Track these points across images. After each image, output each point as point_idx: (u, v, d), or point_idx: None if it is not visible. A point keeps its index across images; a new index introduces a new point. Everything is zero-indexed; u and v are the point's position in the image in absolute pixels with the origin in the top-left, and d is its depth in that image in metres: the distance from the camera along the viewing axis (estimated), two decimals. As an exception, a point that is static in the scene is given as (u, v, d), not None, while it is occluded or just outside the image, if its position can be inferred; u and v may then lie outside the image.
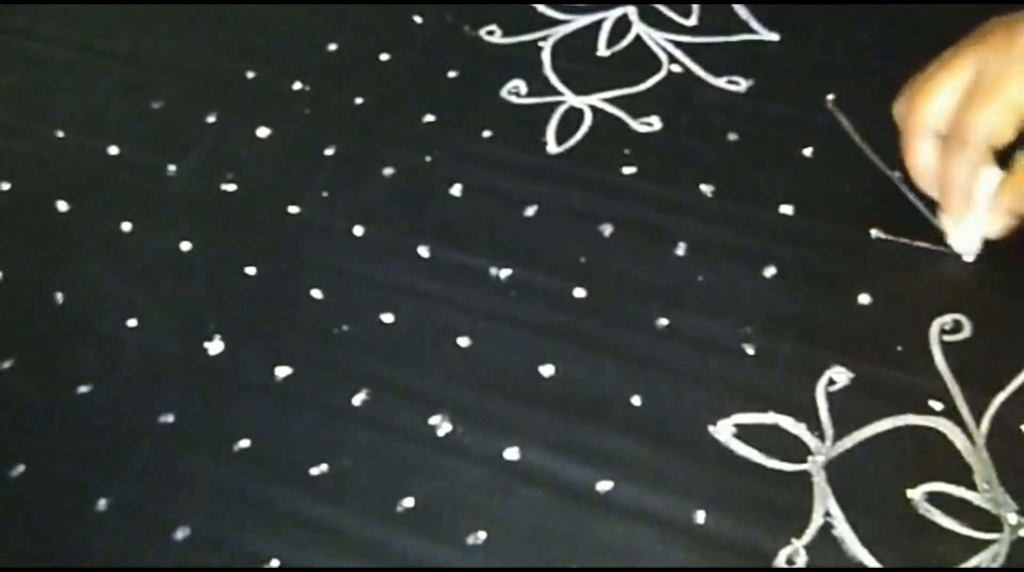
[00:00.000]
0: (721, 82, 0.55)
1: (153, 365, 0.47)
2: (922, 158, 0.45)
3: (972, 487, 0.40)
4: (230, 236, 0.51)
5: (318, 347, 0.46)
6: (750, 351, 0.44)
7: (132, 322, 0.48)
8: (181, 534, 0.41)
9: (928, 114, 0.44)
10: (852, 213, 0.48)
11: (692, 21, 0.58)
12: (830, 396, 0.43)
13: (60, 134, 0.57)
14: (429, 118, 0.55)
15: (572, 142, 0.53)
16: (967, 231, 0.45)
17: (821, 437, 0.41)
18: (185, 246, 0.51)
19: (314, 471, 0.43)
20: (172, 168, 0.54)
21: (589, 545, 0.40)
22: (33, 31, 0.63)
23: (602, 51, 0.57)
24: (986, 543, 0.38)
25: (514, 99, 0.55)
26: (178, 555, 0.41)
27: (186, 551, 0.41)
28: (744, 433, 0.42)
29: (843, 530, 0.39)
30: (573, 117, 0.54)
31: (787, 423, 0.42)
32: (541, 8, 0.60)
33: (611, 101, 0.55)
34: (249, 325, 0.47)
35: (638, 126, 0.53)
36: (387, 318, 0.47)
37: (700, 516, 0.40)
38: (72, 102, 0.58)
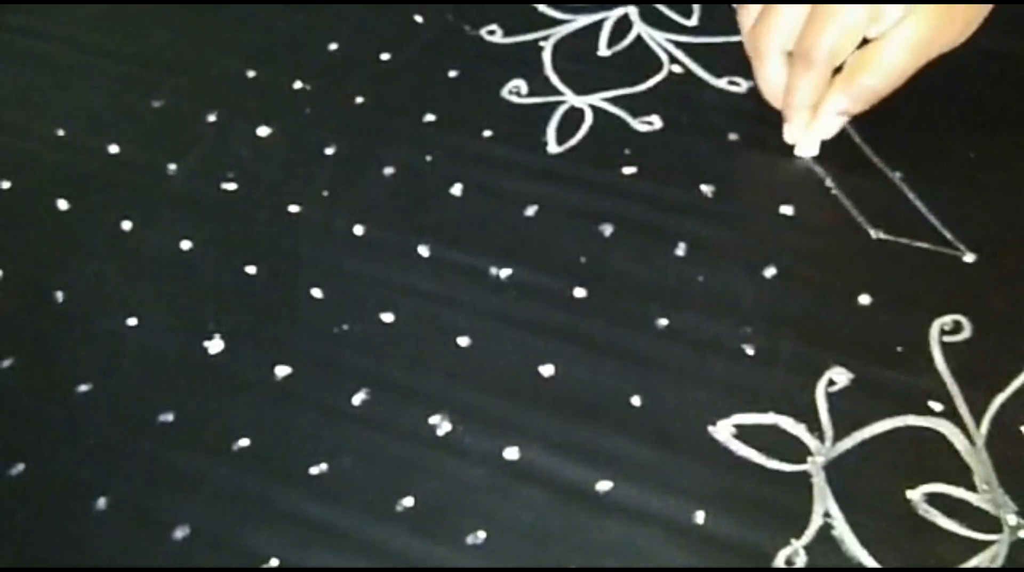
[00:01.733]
0: (722, 82, 0.55)
1: (153, 364, 0.47)
2: (771, 76, 0.49)
3: (972, 488, 0.40)
4: (230, 235, 0.51)
5: (318, 346, 0.46)
6: (750, 351, 0.44)
7: (132, 321, 0.48)
8: (180, 533, 0.41)
9: (775, 35, 0.48)
10: (852, 213, 0.48)
11: (693, 21, 0.58)
12: (830, 396, 0.43)
13: (60, 132, 0.57)
14: (430, 117, 0.55)
15: (573, 142, 0.53)
16: (810, 138, 0.50)
17: (821, 438, 0.41)
18: (185, 245, 0.51)
19: (314, 470, 0.43)
20: (172, 167, 0.54)
21: (589, 545, 0.40)
22: (33, 29, 0.63)
23: (603, 51, 0.57)
24: (985, 544, 0.38)
25: (515, 99, 0.55)
26: (177, 554, 0.41)
27: (185, 550, 0.41)
28: (744, 433, 0.42)
29: (843, 531, 0.39)
30: (574, 117, 0.54)
31: (787, 423, 0.42)
32: (542, 8, 0.60)
33: (612, 101, 0.55)
34: (249, 324, 0.47)
35: (639, 126, 0.53)
36: (387, 317, 0.47)
37: (700, 516, 0.40)
38: (72, 101, 0.58)
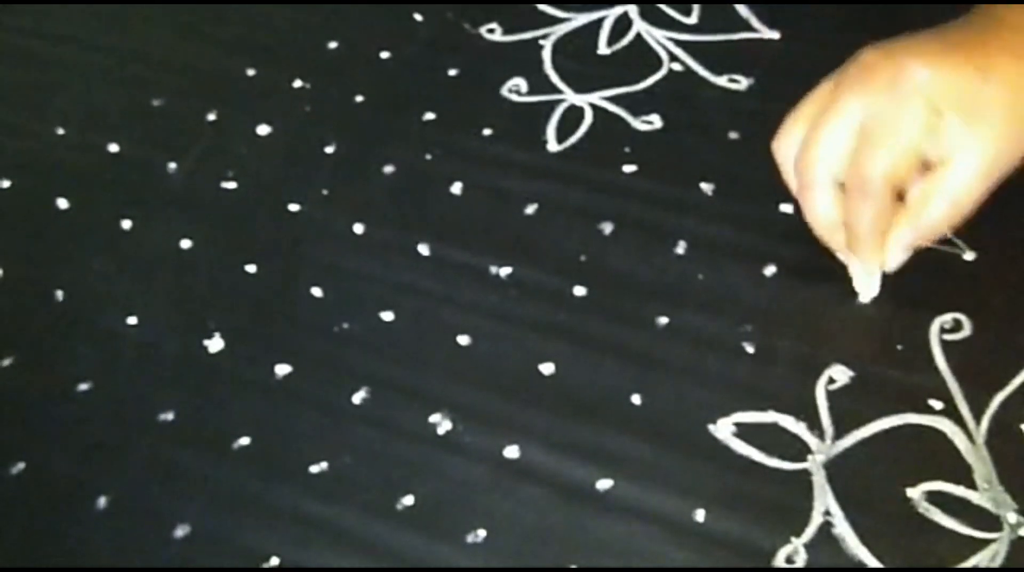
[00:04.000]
0: (722, 80, 0.55)
1: (153, 363, 0.47)
2: (823, 210, 0.44)
3: (972, 486, 0.40)
4: (230, 234, 0.51)
5: (318, 345, 0.46)
6: (750, 350, 0.44)
7: (132, 319, 0.48)
8: (181, 532, 0.41)
9: (823, 164, 0.43)
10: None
11: (693, 19, 0.58)
12: (830, 395, 0.43)
13: (60, 131, 0.57)
14: (429, 116, 0.55)
15: (572, 140, 0.53)
16: (873, 274, 0.45)
17: (821, 436, 0.41)
18: (185, 244, 0.51)
19: (314, 469, 0.43)
20: (172, 166, 0.54)
21: (589, 544, 0.40)
22: (33, 29, 0.63)
23: (603, 49, 0.57)
24: (985, 542, 0.38)
25: (514, 97, 0.55)
26: (178, 553, 0.41)
27: (186, 549, 0.41)
28: (744, 432, 0.42)
29: (843, 529, 0.39)
30: (573, 115, 0.54)
31: (787, 422, 0.42)
32: (542, 6, 0.60)
33: (612, 99, 0.55)
34: (249, 323, 0.47)
35: (639, 124, 0.53)
36: (387, 316, 0.47)
37: (700, 515, 0.40)
38: (72, 99, 0.58)
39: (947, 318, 0.44)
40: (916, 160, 0.42)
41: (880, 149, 0.41)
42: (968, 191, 0.42)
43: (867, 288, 0.45)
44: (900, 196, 0.43)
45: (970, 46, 0.42)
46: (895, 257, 0.44)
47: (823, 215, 0.44)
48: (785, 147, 0.45)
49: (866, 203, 0.42)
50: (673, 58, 0.56)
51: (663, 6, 0.59)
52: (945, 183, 0.42)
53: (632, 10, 0.59)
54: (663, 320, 0.46)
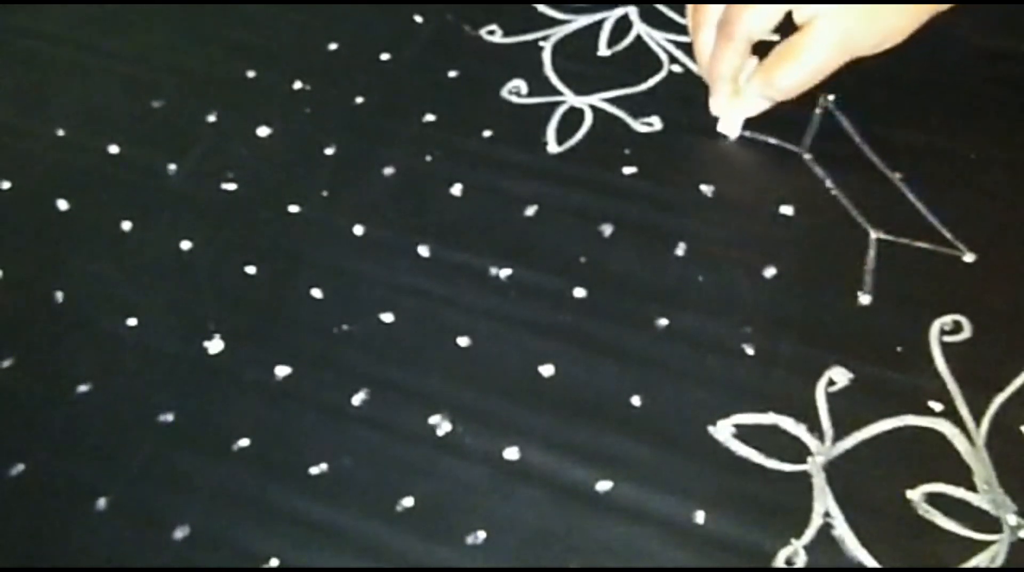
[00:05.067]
0: (721, 82, 0.55)
1: (153, 364, 0.47)
2: (702, 48, 0.50)
3: (972, 488, 0.40)
4: (230, 235, 0.51)
5: (318, 347, 0.46)
6: (750, 351, 0.44)
7: (132, 321, 0.48)
8: (180, 533, 0.41)
9: (710, 9, 0.49)
10: (852, 213, 0.48)
11: (693, 21, 0.58)
12: (830, 396, 0.43)
13: (60, 132, 0.57)
14: (429, 118, 0.55)
15: (572, 142, 0.53)
16: (733, 114, 0.51)
17: (821, 437, 0.41)
18: (185, 245, 0.51)
19: (314, 470, 0.43)
20: (172, 167, 0.54)
21: (589, 545, 0.40)
22: (33, 29, 0.63)
23: (603, 51, 0.57)
24: (985, 544, 0.38)
25: (514, 99, 0.55)
26: (177, 554, 0.41)
27: (185, 550, 0.41)
28: (744, 433, 0.42)
29: (843, 530, 0.39)
30: (573, 117, 0.54)
31: (787, 423, 0.42)
32: (542, 8, 0.60)
33: (612, 101, 0.55)
34: (249, 324, 0.47)
35: (638, 126, 0.53)
36: (387, 318, 0.47)
37: (699, 516, 0.40)
38: (72, 101, 0.58)
39: (947, 320, 0.44)
40: (779, 15, 0.46)
41: (750, 2, 0.47)
42: (819, 56, 0.46)
43: (728, 127, 0.51)
44: None
45: None
46: (751, 105, 0.50)
47: (702, 53, 0.50)
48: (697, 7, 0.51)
49: (726, 48, 0.48)
50: (673, 60, 0.56)
51: (663, 8, 0.59)
52: (800, 44, 0.46)
53: (632, 12, 0.59)
54: (663, 321, 0.46)
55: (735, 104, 0.51)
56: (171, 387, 0.46)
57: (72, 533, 0.42)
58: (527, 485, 0.41)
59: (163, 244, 0.51)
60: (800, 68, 0.47)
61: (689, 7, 0.51)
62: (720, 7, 0.49)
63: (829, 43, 0.46)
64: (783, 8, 0.46)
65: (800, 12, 0.46)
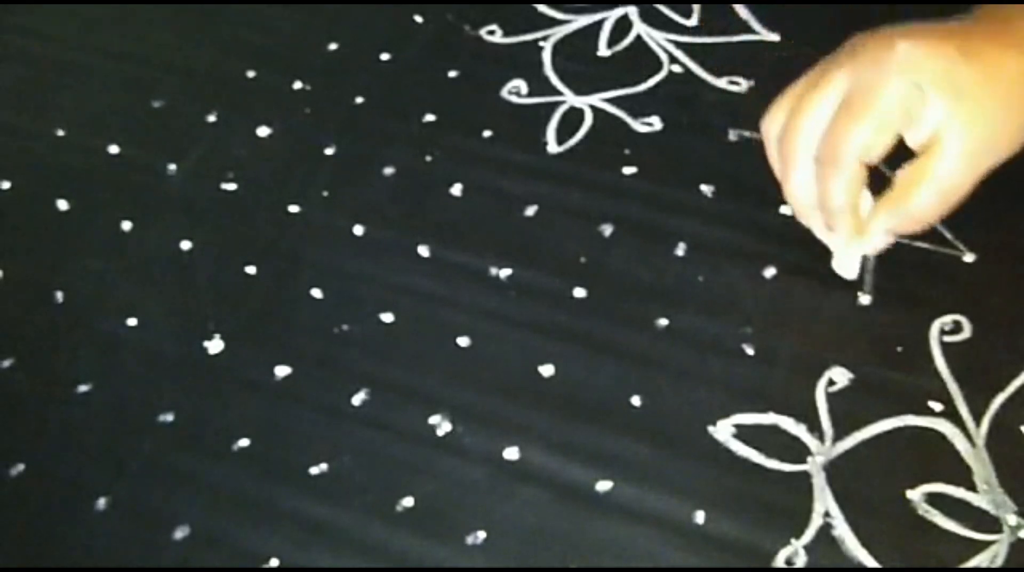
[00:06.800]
0: (722, 82, 0.55)
1: (153, 364, 0.47)
2: (801, 187, 0.43)
3: (972, 488, 0.40)
4: (230, 235, 0.51)
5: (318, 347, 0.46)
6: (750, 351, 0.44)
7: (132, 321, 0.48)
8: (180, 533, 0.41)
9: (804, 139, 0.42)
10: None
11: (693, 21, 0.58)
12: (830, 396, 0.43)
13: (60, 133, 0.57)
14: (429, 118, 0.55)
15: (572, 142, 0.53)
16: (852, 251, 0.45)
17: (821, 437, 0.41)
18: (185, 245, 0.51)
19: (314, 470, 0.43)
20: (172, 167, 0.54)
21: (588, 545, 0.40)
22: (33, 30, 0.63)
23: (603, 51, 0.57)
24: (985, 544, 0.38)
25: (515, 99, 0.55)
26: (177, 554, 0.41)
27: (185, 550, 0.41)
28: (744, 433, 0.42)
29: (843, 530, 0.39)
30: (573, 117, 0.54)
31: (787, 423, 0.42)
32: (542, 8, 0.60)
33: (611, 101, 0.55)
34: (249, 324, 0.47)
35: (638, 126, 0.53)
36: (387, 318, 0.47)
37: (699, 516, 0.40)
38: (72, 101, 0.58)
39: (947, 320, 0.44)
40: (892, 135, 0.41)
41: (853, 120, 0.40)
42: (953, 175, 0.40)
43: (847, 268, 0.45)
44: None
45: (956, 31, 0.42)
46: (877, 240, 0.44)
47: (801, 192, 0.43)
48: (772, 126, 0.44)
49: (836, 175, 0.41)
50: (673, 60, 0.56)
51: (663, 8, 0.59)
52: (930, 166, 0.40)
53: (632, 12, 0.59)
54: (663, 322, 0.46)
55: (858, 242, 0.44)
56: (171, 387, 0.46)
57: (72, 532, 0.42)
58: (527, 485, 0.41)
59: (163, 244, 0.51)
60: (935, 190, 0.41)
61: (769, 141, 0.44)
62: (814, 133, 0.42)
63: (962, 156, 0.40)
64: (895, 117, 0.40)
65: (918, 133, 0.41)
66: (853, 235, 0.43)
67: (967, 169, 0.40)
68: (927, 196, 0.41)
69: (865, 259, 0.45)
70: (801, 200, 0.44)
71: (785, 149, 0.43)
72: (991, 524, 0.39)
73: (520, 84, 0.56)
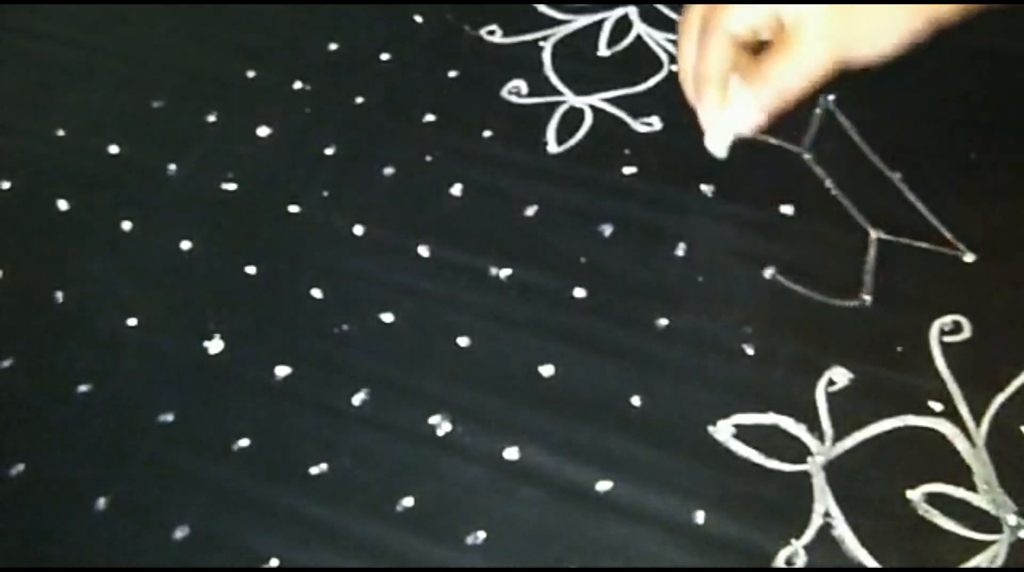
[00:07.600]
0: (721, 82, 0.55)
1: (153, 364, 0.47)
2: (686, 56, 0.46)
3: (972, 488, 0.40)
4: (230, 235, 0.51)
5: (318, 347, 0.46)
6: (750, 351, 0.44)
7: (132, 321, 0.48)
8: (180, 533, 0.41)
9: (696, 14, 0.45)
10: (852, 213, 0.48)
11: (693, 21, 0.58)
12: (830, 397, 0.43)
13: (60, 133, 0.57)
14: (429, 118, 0.55)
15: (572, 142, 0.53)
16: (721, 128, 0.46)
17: (821, 438, 0.41)
18: (185, 245, 0.51)
19: (314, 470, 0.43)
20: (172, 167, 0.54)
21: (588, 545, 0.40)
22: (33, 30, 0.63)
23: (603, 51, 0.57)
24: (985, 544, 0.38)
25: (514, 99, 0.55)
26: (177, 554, 0.41)
27: (185, 550, 0.41)
28: (744, 433, 0.42)
29: (843, 530, 0.39)
30: (573, 117, 0.54)
31: (787, 423, 0.42)
32: (542, 8, 0.60)
33: (611, 101, 0.55)
34: (249, 324, 0.47)
35: (638, 126, 0.53)
36: (387, 318, 0.47)
37: (700, 516, 0.40)
38: (72, 101, 0.58)
39: (947, 320, 0.44)
40: (763, 11, 0.43)
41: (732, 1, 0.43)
42: (811, 49, 0.43)
43: (716, 142, 0.46)
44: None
45: None
46: (744, 114, 0.45)
47: (685, 60, 0.46)
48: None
49: (705, 41, 0.44)
50: (673, 60, 0.56)
51: (663, 8, 0.59)
52: (789, 39, 0.43)
53: (632, 12, 0.59)
54: (663, 322, 0.46)
55: (725, 113, 0.46)
56: (171, 387, 0.46)
57: (72, 532, 0.42)
58: (527, 485, 0.41)
59: (163, 244, 0.51)
60: (792, 60, 0.44)
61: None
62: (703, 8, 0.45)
63: (818, 37, 0.43)
64: (766, 7, 0.43)
65: (786, 12, 0.43)
66: (717, 105, 0.45)
67: (823, 48, 0.43)
68: (785, 65, 0.43)
69: (866, 259, 0.45)
70: (684, 66, 0.46)
71: (681, 24, 0.46)
72: (991, 524, 0.39)
73: (520, 84, 0.56)
